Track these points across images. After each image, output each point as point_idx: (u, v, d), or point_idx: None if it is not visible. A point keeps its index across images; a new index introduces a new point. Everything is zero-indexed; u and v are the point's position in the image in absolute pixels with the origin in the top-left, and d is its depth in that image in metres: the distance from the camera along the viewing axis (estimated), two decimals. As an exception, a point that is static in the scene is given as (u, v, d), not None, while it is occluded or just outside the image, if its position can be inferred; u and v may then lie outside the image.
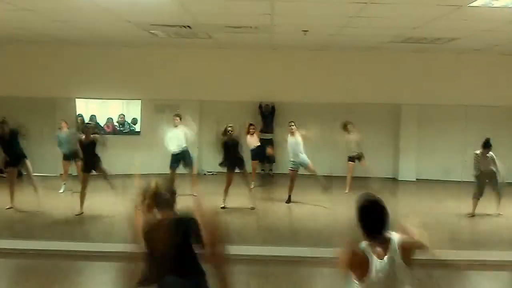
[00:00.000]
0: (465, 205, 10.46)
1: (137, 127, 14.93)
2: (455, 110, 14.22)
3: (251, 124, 12.80)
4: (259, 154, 12.79)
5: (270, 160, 14.99)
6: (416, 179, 14.26)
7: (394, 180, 14.61)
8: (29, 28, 10.58)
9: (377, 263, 3.19)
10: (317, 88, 14.11)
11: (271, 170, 15.14)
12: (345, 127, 12.34)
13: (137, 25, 9.89)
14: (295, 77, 14.10)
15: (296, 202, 11.37)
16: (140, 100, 14.63)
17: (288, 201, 11.25)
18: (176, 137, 11.51)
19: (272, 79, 14.12)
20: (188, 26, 9.89)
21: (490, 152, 9.93)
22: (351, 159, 12.45)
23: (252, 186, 11.85)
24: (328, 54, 13.87)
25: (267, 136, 14.79)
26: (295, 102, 14.27)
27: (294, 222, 10.37)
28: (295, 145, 11.15)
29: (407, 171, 14.46)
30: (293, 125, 11.30)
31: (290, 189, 11.26)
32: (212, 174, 14.16)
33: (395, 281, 3.19)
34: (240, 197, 10.82)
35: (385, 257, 3.21)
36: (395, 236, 3.29)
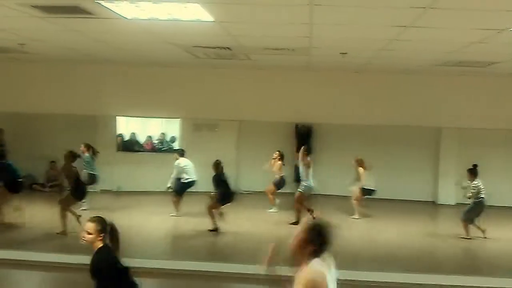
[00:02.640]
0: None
1: (176, 145, 15.15)
2: (496, 134, 13.95)
3: (278, 151, 12.67)
4: (280, 184, 12.53)
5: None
6: (456, 203, 13.98)
7: (433, 203, 14.38)
8: (75, 48, 10.94)
9: (333, 273, 3.61)
10: (354, 110, 14.06)
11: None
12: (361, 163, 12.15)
13: (179, 46, 10.12)
14: (333, 99, 14.11)
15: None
16: (179, 119, 14.87)
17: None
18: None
19: (309, 100, 14.16)
20: (228, 48, 10.07)
21: None
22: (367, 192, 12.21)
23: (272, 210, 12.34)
24: (366, 76, 13.83)
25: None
26: (332, 123, 14.27)
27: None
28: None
29: (447, 195, 14.20)
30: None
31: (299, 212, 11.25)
32: (248, 193, 14.21)
33: None
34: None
35: (331, 271, 3.61)
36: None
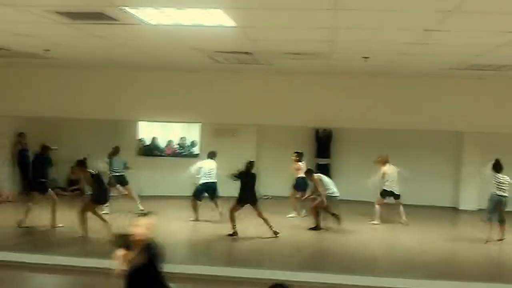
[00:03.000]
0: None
1: (196, 150, 15.22)
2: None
3: (295, 153, 12.75)
4: (300, 186, 12.50)
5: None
6: (478, 209, 13.81)
7: (454, 209, 14.23)
8: (96, 53, 11.05)
9: None
10: (375, 114, 13.94)
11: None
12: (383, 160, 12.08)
13: (200, 51, 10.17)
14: (354, 103, 14.02)
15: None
16: (199, 124, 14.94)
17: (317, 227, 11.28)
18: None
19: (330, 105, 14.08)
20: (249, 53, 10.09)
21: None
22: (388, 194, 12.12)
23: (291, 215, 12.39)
24: (388, 80, 13.72)
25: (324, 161, 14.81)
26: (353, 128, 14.21)
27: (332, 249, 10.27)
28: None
29: (469, 201, 14.05)
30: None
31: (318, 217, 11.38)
32: (268, 198, 14.19)
33: None
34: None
35: None
36: None
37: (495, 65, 10.55)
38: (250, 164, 10.51)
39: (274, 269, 8.05)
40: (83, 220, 9.88)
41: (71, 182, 15.05)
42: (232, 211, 10.34)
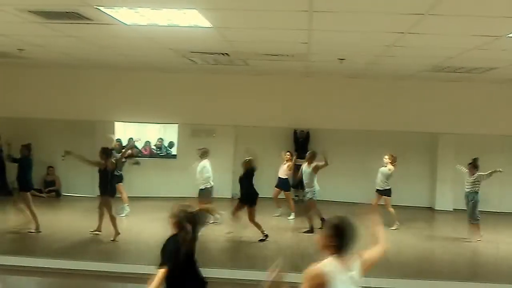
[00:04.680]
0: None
1: (174, 151, 15.15)
2: (494, 140, 13.99)
3: (288, 152, 12.76)
4: (286, 185, 12.58)
5: (304, 186, 14.98)
6: (453, 209, 13.98)
7: (430, 209, 14.40)
8: (72, 53, 10.95)
9: (342, 277, 3.52)
10: (352, 115, 14.10)
11: (304, 196, 15.07)
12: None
13: (177, 52, 10.14)
14: (330, 104, 14.14)
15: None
16: (177, 124, 14.87)
17: (311, 231, 11.10)
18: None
19: (307, 106, 14.19)
20: (226, 54, 10.09)
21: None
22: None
23: (277, 214, 12.42)
24: (364, 82, 13.87)
25: (302, 162, 14.83)
26: (329, 129, 14.29)
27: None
28: (310, 174, 11.24)
29: (444, 201, 14.21)
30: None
31: (311, 219, 11.21)
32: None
33: None
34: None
35: (350, 272, 3.58)
36: (357, 257, 3.71)
37: (467, 68, 10.71)
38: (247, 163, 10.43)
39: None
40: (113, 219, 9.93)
41: (47, 184, 14.85)
42: (250, 218, 10.20)
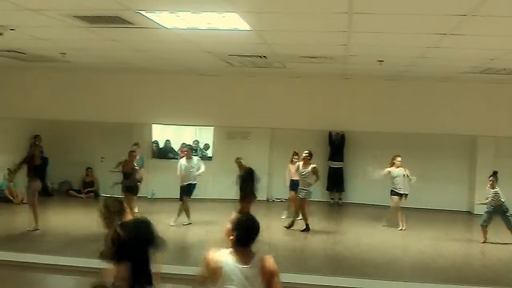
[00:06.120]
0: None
1: (209, 153, 15.26)
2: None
3: (295, 153, 12.57)
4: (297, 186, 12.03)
5: (340, 189, 14.94)
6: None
7: (469, 213, 14.12)
8: (111, 56, 11.13)
9: (234, 268, 3.76)
10: (388, 117, 13.93)
11: (340, 199, 15.02)
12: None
13: (215, 55, 10.22)
14: (367, 107, 14.01)
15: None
16: (212, 127, 14.98)
17: (307, 229, 11.27)
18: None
19: (344, 108, 14.09)
20: (264, 56, 10.12)
21: None
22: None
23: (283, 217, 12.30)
24: (402, 84, 13.68)
25: (337, 164, 14.80)
26: (365, 131, 14.19)
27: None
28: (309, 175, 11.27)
29: (483, 205, 13.88)
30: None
31: (306, 218, 11.31)
32: (281, 200, 14.21)
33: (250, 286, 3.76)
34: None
35: (245, 266, 3.76)
36: (259, 253, 3.90)
37: (508, 69, 10.49)
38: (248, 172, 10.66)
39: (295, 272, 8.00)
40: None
41: (85, 185, 15.16)
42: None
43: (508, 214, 10.67)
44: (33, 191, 10.60)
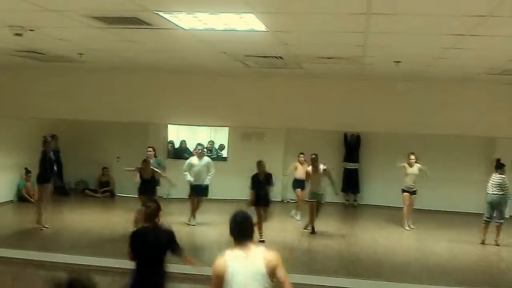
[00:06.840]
0: None
1: (224, 153, 15.30)
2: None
3: (301, 153, 12.74)
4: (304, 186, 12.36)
5: (355, 190, 14.90)
6: (510, 215, 13.51)
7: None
8: (127, 57, 11.19)
9: (237, 262, 3.89)
10: (405, 119, 13.81)
11: (355, 200, 14.98)
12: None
13: (231, 56, 10.24)
14: (383, 108, 13.90)
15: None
16: (228, 127, 15.00)
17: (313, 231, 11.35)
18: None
19: (359, 109, 14.00)
20: (280, 57, 10.11)
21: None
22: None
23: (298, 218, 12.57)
24: (419, 85, 13.54)
25: (352, 166, 14.76)
26: (382, 132, 14.11)
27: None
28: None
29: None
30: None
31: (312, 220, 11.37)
32: (296, 201, 14.17)
33: (253, 280, 3.87)
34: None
35: (247, 260, 3.92)
36: (260, 248, 4.13)
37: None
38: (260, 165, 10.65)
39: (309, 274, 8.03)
40: None
41: (102, 184, 15.28)
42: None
43: None
44: (46, 190, 10.79)
